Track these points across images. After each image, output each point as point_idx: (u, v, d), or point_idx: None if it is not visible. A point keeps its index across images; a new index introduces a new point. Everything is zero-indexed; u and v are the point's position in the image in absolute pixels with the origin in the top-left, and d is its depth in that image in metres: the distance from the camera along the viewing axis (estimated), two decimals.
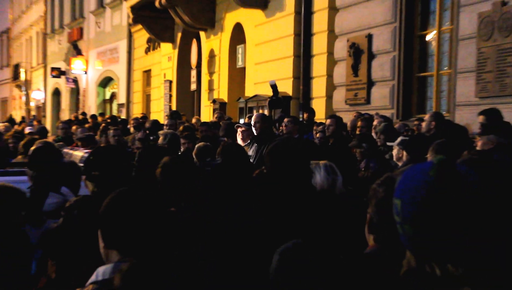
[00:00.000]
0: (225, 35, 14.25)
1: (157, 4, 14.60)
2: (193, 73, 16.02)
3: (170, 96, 17.25)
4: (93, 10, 23.23)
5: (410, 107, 9.24)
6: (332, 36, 10.55)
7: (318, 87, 11.03)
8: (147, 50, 19.28)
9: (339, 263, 1.76)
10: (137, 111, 19.71)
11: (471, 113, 7.11)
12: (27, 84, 32.87)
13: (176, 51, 16.96)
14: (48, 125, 25.26)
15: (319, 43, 10.97)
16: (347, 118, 8.12)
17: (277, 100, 10.68)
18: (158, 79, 18.48)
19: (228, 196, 3.05)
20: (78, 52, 24.75)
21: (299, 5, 11.22)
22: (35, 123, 18.11)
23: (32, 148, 4.31)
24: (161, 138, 6.43)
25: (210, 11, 14.65)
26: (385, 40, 9.36)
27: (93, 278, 1.95)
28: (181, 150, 6.33)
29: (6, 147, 7.50)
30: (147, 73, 19.81)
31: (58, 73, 26.25)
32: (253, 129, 6.83)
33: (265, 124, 6.91)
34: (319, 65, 11.00)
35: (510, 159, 3.75)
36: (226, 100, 14.07)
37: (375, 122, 6.79)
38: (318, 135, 7.47)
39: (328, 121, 7.15)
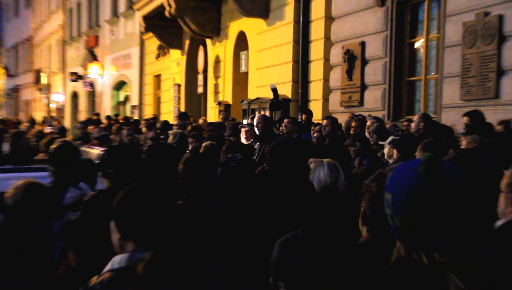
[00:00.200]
0: (230, 42, 14.24)
1: (167, 14, 14.59)
2: (200, 77, 16.04)
3: (179, 98, 17.24)
4: (108, 19, 23.23)
5: (400, 109, 9.23)
6: (328, 43, 10.55)
7: (316, 90, 11.02)
8: (157, 56, 19.26)
9: (335, 252, 1.77)
10: (148, 112, 19.70)
11: (456, 114, 7.10)
12: (48, 87, 32.85)
13: (184, 57, 16.95)
14: (67, 125, 25.25)
15: (316, 50, 10.97)
16: (342, 119, 8.11)
17: (277, 102, 10.70)
18: (167, 83, 18.47)
19: (248, 191, 3.04)
20: (94, 58, 24.74)
21: (298, 14, 11.22)
22: (55, 123, 18.10)
23: (53, 146, 4.27)
24: (170, 137, 6.44)
25: (216, 20, 14.65)
26: (377, 47, 9.35)
27: (109, 266, 1.95)
28: (189, 148, 6.34)
29: (28, 145, 7.50)
30: (158, 77, 19.80)
31: (76, 77, 26.23)
32: (256, 129, 6.83)
33: (267, 125, 6.91)
34: (316, 70, 10.99)
35: (491, 158, 3.75)
36: (230, 102, 14.06)
37: (368, 123, 6.78)
38: (315, 134, 7.46)
39: (325, 121, 7.14)
